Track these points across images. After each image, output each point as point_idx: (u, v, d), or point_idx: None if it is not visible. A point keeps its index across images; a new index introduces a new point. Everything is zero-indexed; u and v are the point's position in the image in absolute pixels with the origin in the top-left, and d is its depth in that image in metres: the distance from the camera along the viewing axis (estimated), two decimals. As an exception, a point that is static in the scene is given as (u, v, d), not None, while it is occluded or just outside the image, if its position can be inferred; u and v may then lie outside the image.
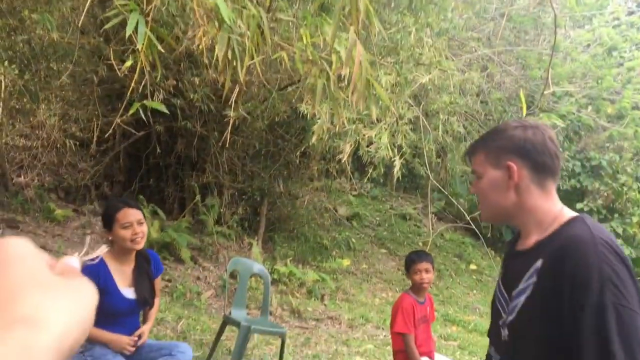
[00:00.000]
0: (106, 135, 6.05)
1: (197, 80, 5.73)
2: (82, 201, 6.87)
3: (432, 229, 8.82)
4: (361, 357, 5.14)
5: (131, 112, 2.63)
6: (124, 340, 2.79)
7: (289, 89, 6.00)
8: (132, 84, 2.72)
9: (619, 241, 9.01)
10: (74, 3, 4.97)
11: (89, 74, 6.09)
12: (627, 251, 9.04)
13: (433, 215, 10.26)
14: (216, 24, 2.38)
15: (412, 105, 5.86)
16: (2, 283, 0.39)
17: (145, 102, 2.61)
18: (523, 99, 3.60)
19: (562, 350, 1.25)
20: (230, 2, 2.37)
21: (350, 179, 10.14)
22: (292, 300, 6.06)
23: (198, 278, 6.03)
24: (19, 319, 0.37)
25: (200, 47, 2.48)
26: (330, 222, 8.91)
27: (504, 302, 1.46)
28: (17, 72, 6.00)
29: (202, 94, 5.72)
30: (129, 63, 2.77)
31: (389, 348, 4.40)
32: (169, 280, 5.66)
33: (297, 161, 7.22)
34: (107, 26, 2.46)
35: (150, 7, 2.42)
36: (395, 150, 5.20)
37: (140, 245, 2.80)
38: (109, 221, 2.78)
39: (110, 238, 2.81)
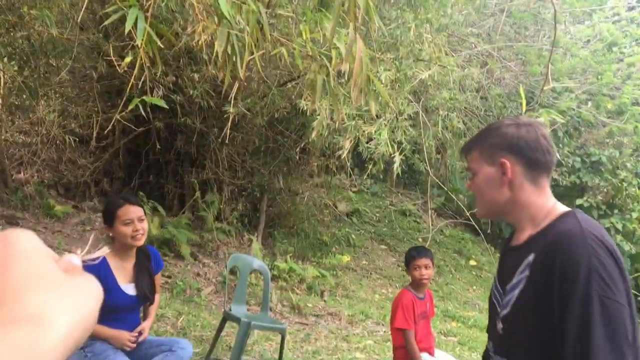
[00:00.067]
0: (106, 132, 6.05)
1: (196, 76, 5.72)
2: (82, 197, 6.87)
3: (432, 225, 8.82)
4: (361, 353, 5.15)
5: (130, 108, 2.63)
6: (125, 337, 2.80)
7: (289, 85, 6.00)
8: (132, 80, 2.72)
9: (619, 237, 9.03)
10: (73, -1, 4.96)
11: (88, 70, 6.08)
12: (626, 247, 9.05)
13: (433, 212, 10.27)
14: (215, 19, 2.38)
15: (411, 101, 5.86)
16: (7, 280, 0.39)
17: (144, 98, 2.60)
18: (523, 95, 3.59)
19: (553, 343, 1.27)
20: (230, -2, 2.36)
21: (350, 175, 10.16)
22: (292, 297, 6.07)
23: (198, 274, 6.04)
24: (26, 317, 0.37)
25: (200, 43, 2.48)
26: (330, 218, 8.92)
27: (499, 296, 1.50)
28: (16, 68, 6.00)
29: (201, 90, 5.71)
30: (128, 59, 2.77)
31: (389, 344, 4.41)
32: (169, 277, 5.66)
33: (297, 157, 7.22)
34: (106, 22, 2.45)
35: (149, 2, 2.41)
36: (395, 147, 5.20)
37: (141, 241, 2.80)
38: (109, 218, 2.78)
39: (110, 234, 2.81)
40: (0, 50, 5.40)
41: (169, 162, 7.04)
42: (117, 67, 3.36)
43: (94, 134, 6.33)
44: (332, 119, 4.39)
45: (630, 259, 9.44)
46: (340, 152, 5.27)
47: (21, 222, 5.69)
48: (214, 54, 2.31)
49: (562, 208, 1.45)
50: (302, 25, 2.81)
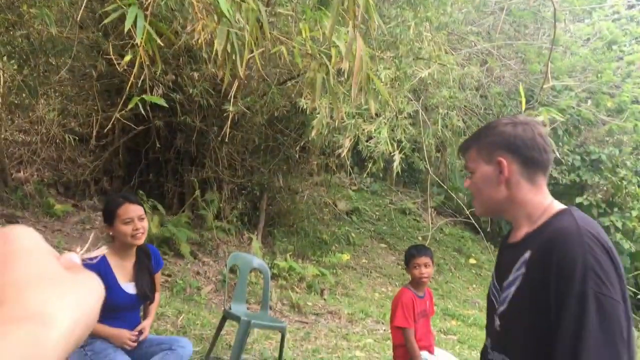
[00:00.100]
0: (105, 130, 6.05)
1: (196, 74, 5.71)
2: (82, 196, 6.87)
3: (432, 223, 8.82)
4: (361, 351, 5.15)
5: (130, 106, 2.63)
6: (125, 335, 2.80)
7: (289, 83, 5.99)
8: (132, 79, 2.72)
9: (619, 235, 9.03)
10: (73, -3, 4.96)
11: (88, 68, 6.08)
12: (626, 245, 9.05)
13: (432, 210, 10.27)
14: (215, 17, 2.38)
15: (411, 100, 5.86)
16: (8, 277, 0.39)
17: (144, 96, 2.60)
18: (522, 93, 3.59)
19: (549, 340, 1.29)
20: (229, -4, 2.36)
21: (350, 173, 10.16)
22: (292, 295, 6.07)
23: (198, 273, 6.04)
24: (28, 316, 0.37)
25: (200, 41, 2.48)
26: (329, 216, 8.92)
27: (496, 293, 1.51)
28: (16, 67, 5.99)
29: (201, 88, 5.71)
30: (128, 58, 2.76)
31: (389, 342, 4.41)
32: (169, 275, 5.67)
33: (297, 156, 7.22)
34: (106, 21, 2.45)
35: (148, 1, 2.41)
36: (395, 145, 5.20)
37: (141, 240, 2.81)
38: (109, 216, 2.78)
39: (110, 233, 2.81)
40: (-1, 49, 5.40)
41: (168, 161, 7.04)
42: (117, 66, 3.36)
43: (94, 133, 6.33)
44: (331, 117, 4.39)
45: (630, 257, 9.44)
46: (340, 150, 5.27)
47: (21, 221, 5.69)
48: (214, 53, 2.32)
49: (558, 206, 1.46)
50: (302, 24, 2.81)
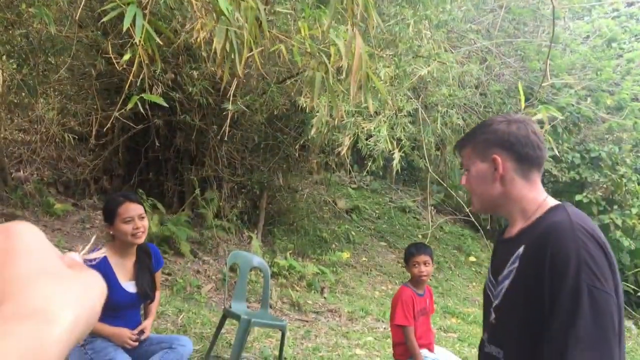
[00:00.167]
0: (105, 129, 6.05)
1: (195, 73, 5.71)
2: (82, 195, 6.87)
3: (432, 221, 8.83)
4: (361, 349, 5.16)
5: (130, 105, 2.63)
6: (126, 334, 2.80)
7: (288, 81, 5.99)
8: (131, 78, 2.72)
9: (619, 233, 9.03)
10: (71, -4, 4.95)
11: (87, 67, 6.07)
12: (626, 243, 9.04)
13: (432, 208, 10.27)
14: (214, 16, 2.37)
15: (411, 98, 5.85)
16: (11, 273, 0.39)
17: (143, 95, 2.60)
18: (521, 91, 3.59)
19: (542, 335, 1.30)
20: (228, -5, 2.35)
21: (350, 172, 10.16)
22: (292, 293, 6.07)
23: (198, 271, 6.04)
24: (31, 313, 0.37)
25: (199, 40, 2.48)
26: (329, 215, 8.92)
27: (492, 287, 1.54)
28: (15, 66, 5.99)
29: (200, 87, 5.70)
30: (127, 56, 2.76)
31: (389, 340, 4.42)
32: (169, 274, 5.67)
33: (297, 154, 7.22)
34: (104, 19, 2.45)
35: (147, 0, 2.41)
36: (395, 143, 5.19)
37: (142, 239, 2.81)
38: (110, 215, 2.78)
39: (111, 232, 2.81)
40: (-2, 48, 5.39)
41: (168, 160, 7.04)
42: (116, 65, 3.36)
43: (93, 132, 6.33)
44: (331, 116, 4.38)
45: (630, 254, 9.43)
46: (340, 149, 5.27)
47: (21, 220, 5.68)
48: (213, 51, 2.31)
49: (552, 202, 1.49)
50: (301, 22, 2.81)
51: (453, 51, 6.42)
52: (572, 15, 9.59)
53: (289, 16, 3.92)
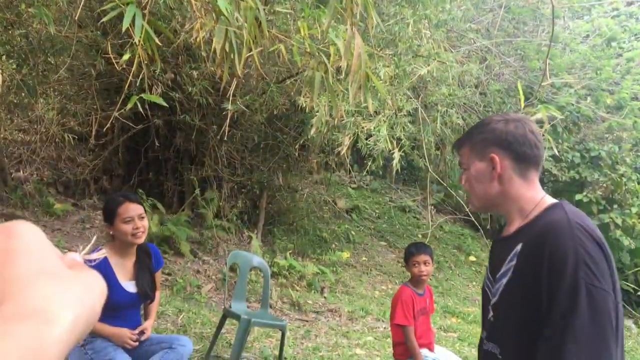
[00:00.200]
0: (105, 129, 6.05)
1: (195, 73, 5.71)
2: (82, 195, 6.87)
3: (432, 221, 8.83)
4: (361, 349, 5.16)
5: (129, 105, 2.63)
6: (126, 334, 2.80)
7: (287, 81, 5.98)
8: (130, 78, 2.72)
9: (619, 232, 9.03)
10: (71, -4, 4.94)
11: (86, 67, 6.07)
12: (626, 242, 9.04)
13: (432, 207, 10.27)
14: (213, 16, 2.37)
15: (410, 98, 5.85)
16: (11, 273, 0.39)
17: (143, 95, 2.60)
18: (521, 91, 3.59)
19: (540, 332, 1.30)
20: (228, -5, 2.35)
21: (350, 171, 10.16)
22: (292, 293, 6.07)
23: (198, 271, 6.04)
24: (31, 313, 0.37)
25: (198, 40, 2.48)
26: (329, 214, 8.93)
27: (490, 285, 1.55)
28: (14, 66, 5.98)
29: (200, 87, 5.70)
30: (126, 56, 2.76)
31: (389, 340, 4.42)
32: (169, 274, 5.67)
33: (296, 154, 7.22)
34: (104, 19, 2.45)
35: (147, 0, 2.41)
36: (394, 143, 5.19)
37: (142, 239, 2.81)
38: (110, 215, 2.78)
39: (111, 232, 2.81)
40: (-2, 48, 5.39)
41: (168, 160, 7.04)
42: (116, 65, 3.36)
43: (93, 132, 6.32)
44: (331, 115, 4.38)
45: (630, 253, 9.43)
46: (340, 148, 5.27)
47: (21, 220, 5.68)
48: (212, 51, 2.31)
49: (550, 200, 1.49)
50: (300, 22, 2.81)
51: (453, 51, 6.42)
52: (571, 15, 9.59)
53: (288, 16, 3.92)
